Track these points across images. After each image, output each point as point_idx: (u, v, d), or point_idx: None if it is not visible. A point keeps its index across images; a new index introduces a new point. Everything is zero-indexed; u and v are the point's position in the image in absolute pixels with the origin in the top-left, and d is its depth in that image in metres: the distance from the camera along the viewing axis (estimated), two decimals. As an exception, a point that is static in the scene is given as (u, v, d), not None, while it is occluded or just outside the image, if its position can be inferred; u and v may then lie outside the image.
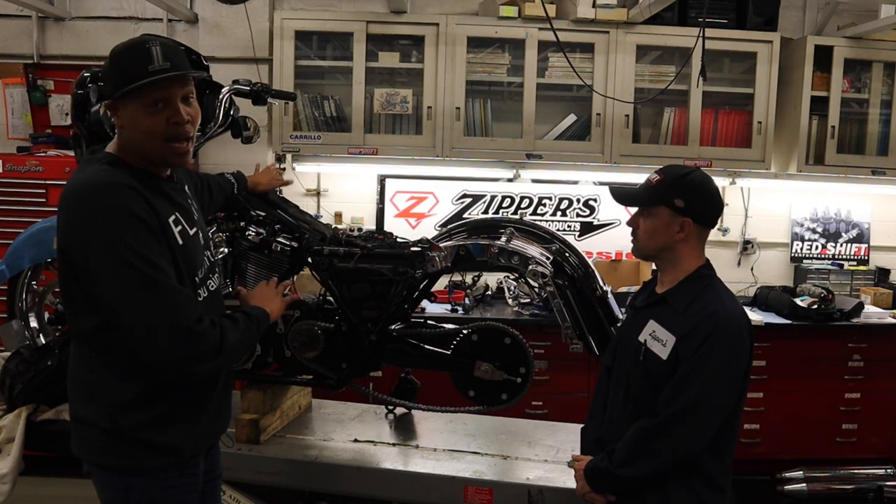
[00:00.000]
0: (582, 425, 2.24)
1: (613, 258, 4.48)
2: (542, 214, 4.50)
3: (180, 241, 1.70)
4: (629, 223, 2.05)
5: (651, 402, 1.91)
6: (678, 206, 1.92)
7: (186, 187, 1.88)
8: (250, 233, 2.50)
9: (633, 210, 2.05)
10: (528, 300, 4.03)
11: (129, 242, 1.57)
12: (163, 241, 1.63)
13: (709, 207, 1.97)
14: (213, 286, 1.84)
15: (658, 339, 1.92)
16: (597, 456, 2.01)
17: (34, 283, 2.91)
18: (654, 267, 2.16)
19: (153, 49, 1.62)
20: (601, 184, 4.45)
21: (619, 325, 2.22)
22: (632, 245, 2.05)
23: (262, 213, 2.56)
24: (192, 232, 1.76)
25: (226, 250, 2.51)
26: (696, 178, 1.96)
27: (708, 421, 1.86)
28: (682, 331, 1.88)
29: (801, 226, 4.67)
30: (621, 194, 2.08)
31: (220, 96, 2.49)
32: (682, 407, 1.84)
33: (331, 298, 2.55)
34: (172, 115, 1.64)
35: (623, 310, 2.31)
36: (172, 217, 1.70)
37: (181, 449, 1.77)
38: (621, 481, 1.93)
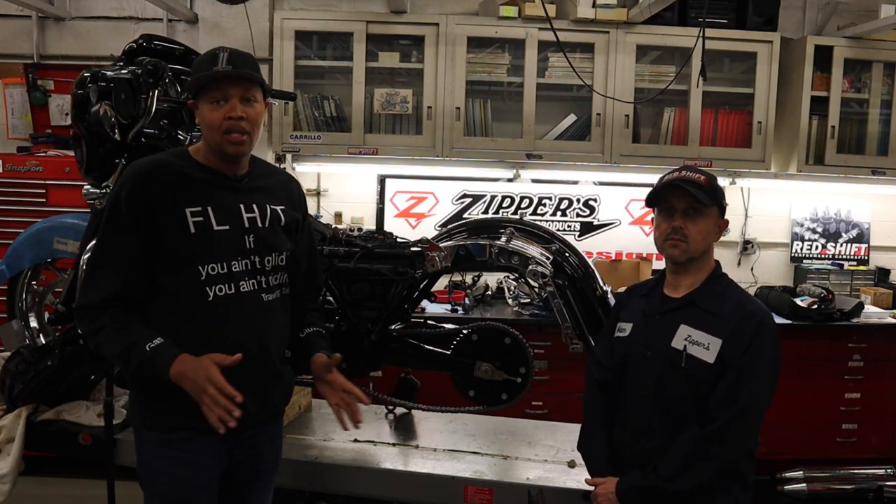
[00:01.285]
0: (577, 444, 2.13)
1: (613, 258, 4.48)
2: (542, 214, 4.50)
3: (192, 230, 1.81)
4: (672, 226, 1.93)
5: (691, 410, 1.87)
6: (724, 206, 1.97)
7: (283, 208, 1.97)
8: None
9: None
10: (528, 300, 4.02)
11: (106, 219, 1.82)
12: (136, 225, 1.77)
13: None
14: (244, 287, 1.87)
15: (698, 343, 1.88)
16: (631, 475, 1.91)
17: (34, 283, 2.92)
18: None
19: (220, 55, 1.83)
20: (600, 183, 4.45)
21: (617, 336, 2.06)
22: (675, 249, 1.93)
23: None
24: (218, 227, 1.84)
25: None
26: None
27: (759, 420, 1.87)
28: (726, 332, 1.86)
29: (801, 226, 4.67)
30: (663, 193, 1.95)
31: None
32: (739, 409, 1.82)
33: (331, 298, 2.55)
34: (229, 110, 1.81)
35: (622, 325, 2.09)
36: (196, 208, 1.82)
37: (165, 418, 1.85)
38: (672, 496, 1.85)
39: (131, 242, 1.78)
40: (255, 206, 1.91)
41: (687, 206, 1.92)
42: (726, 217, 2.01)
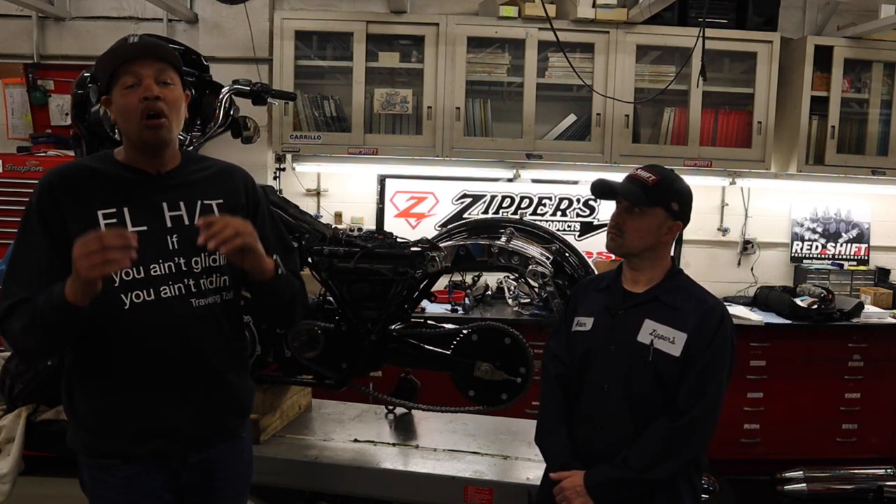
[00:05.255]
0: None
1: (613, 258, 4.48)
2: (542, 214, 4.50)
3: None
4: (614, 220, 2.01)
5: (657, 402, 1.91)
6: (674, 209, 1.98)
7: (219, 202, 1.80)
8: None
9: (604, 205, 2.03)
10: (528, 300, 4.03)
11: (20, 227, 1.75)
12: (47, 233, 1.68)
13: (690, 212, 2.05)
14: (166, 293, 1.71)
15: (664, 337, 1.91)
16: (600, 468, 1.92)
17: (34, 283, 2.91)
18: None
19: (130, 38, 1.80)
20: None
21: (576, 330, 2.06)
22: (611, 242, 2.02)
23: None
24: (134, 228, 1.69)
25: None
26: (684, 183, 2.02)
27: (720, 409, 1.92)
28: (690, 326, 1.90)
29: (801, 226, 4.67)
30: (609, 189, 2.03)
31: (220, 96, 2.49)
32: (708, 399, 1.88)
33: (331, 298, 2.55)
34: (143, 91, 1.68)
35: (581, 319, 2.08)
36: (110, 209, 1.70)
37: (96, 445, 1.75)
38: (644, 486, 1.88)
39: (42, 251, 1.67)
40: (181, 203, 1.76)
41: (629, 203, 1.98)
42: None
